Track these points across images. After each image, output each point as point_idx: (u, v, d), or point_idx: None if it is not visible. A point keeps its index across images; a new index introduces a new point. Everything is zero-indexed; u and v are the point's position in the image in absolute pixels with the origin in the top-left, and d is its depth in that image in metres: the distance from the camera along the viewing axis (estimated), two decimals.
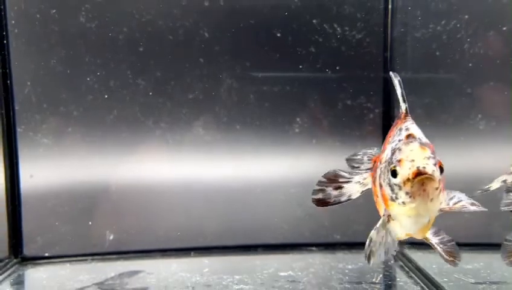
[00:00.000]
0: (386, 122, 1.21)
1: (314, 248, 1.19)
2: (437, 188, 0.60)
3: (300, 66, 1.21)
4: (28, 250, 1.16)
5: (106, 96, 1.18)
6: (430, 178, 0.59)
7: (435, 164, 0.60)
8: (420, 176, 0.59)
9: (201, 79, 1.21)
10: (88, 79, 1.16)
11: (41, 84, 1.16)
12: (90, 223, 1.19)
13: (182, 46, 1.19)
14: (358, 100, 1.22)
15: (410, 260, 1.06)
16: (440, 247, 0.72)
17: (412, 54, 1.21)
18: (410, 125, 0.68)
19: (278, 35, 1.20)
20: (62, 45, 1.16)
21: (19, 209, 1.15)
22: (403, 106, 0.73)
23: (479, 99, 1.21)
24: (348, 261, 1.09)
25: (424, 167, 0.59)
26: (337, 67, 1.21)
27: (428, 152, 0.61)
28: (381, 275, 1.00)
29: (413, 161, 0.61)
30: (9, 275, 1.07)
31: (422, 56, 1.22)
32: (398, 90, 0.75)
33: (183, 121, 1.22)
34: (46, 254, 1.16)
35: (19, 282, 1.05)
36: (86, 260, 1.16)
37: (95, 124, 1.20)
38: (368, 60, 1.20)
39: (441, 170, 0.61)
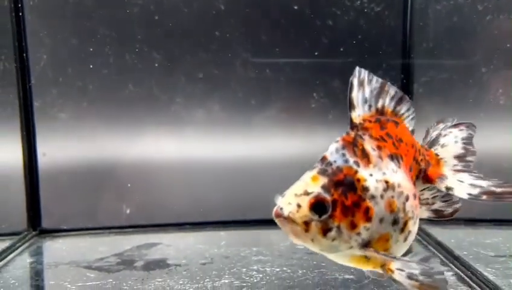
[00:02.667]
0: None
1: None
2: (307, 231, 0.54)
3: (318, 40, 1.19)
4: (46, 223, 1.17)
5: (121, 71, 1.18)
6: (286, 221, 0.54)
7: (309, 204, 0.54)
8: (278, 218, 0.55)
9: (217, 53, 1.20)
10: (103, 53, 1.17)
11: (57, 58, 1.16)
12: (106, 197, 1.21)
13: (197, 18, 1.18)
14: (376, 74, 1.20)
15: (428, 235, 1.05)
16: (421, 279, 0.58)
17: (432, 26, 1.19)
18: (333, 146, 0.59)
19: (295, 7, 1.18)
20: (77, 18, 1.16)
21: (37, 183, 1.16)
22: (353, 115, 0.62)
23: (500, 73, 1.19)
24: None
25: (281, 208, 0.55)
26: (355, 41, 1.19)
27: (310, 187, 0.55)
28: None
29: (283, 196, 0.56)
30: (28, 246, 1.09)
31: (442, 29, 1.19)
32: (353, 94, 0.62)
33: (198, 97, 1.22)
34: (64, 227, 1.18)
35: (39, 253, 1.07)
36: (103, 233, 1.17)
37: (110, 98, 1.20)
38: (387, 33, 1.18)
39: (321, 208, 0.54)
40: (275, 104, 1.23)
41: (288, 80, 1.20)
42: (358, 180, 0.56)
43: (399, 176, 0.59)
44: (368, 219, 0.56)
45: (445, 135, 0.71)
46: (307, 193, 0.55)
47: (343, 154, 0.58)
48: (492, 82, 1.17)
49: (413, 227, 0.61)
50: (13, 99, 1.12)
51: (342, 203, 0.55)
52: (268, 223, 1.21)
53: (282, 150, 1.24)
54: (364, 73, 0.63)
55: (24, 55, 1.12)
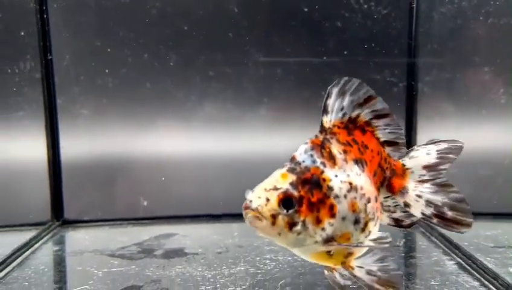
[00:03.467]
0: (410, 96, 1.25)
1: None
2: (274, 224, 0.57)
3: (326, 41, 1.24)
4: (68, 214, 1.24)
5: (139, 70, 1.24)
6: (254, 214, 0.57)
7: (277, 198, 0.57)
8: (245, 210, 0.58)
9: (230, 53, 1.26)
10: (122, 53, 1.22)
11: (79, 57, 1.22)
12: (124, 190, 1.27)
13: (212, 20, 1.24)
14: (383, 74, 1.26)
15: (431, 227, 1.10)
16: (379, 275, 0.64)
17: (436, 28, 1.23)
18: (303, 147, 0.63)
19: (305, 10, 1.23)
20: (98, 20, 1.22)
21: (60, 176, 1.23)
22: (324, 119, 0.67)
23: (501, 73, 1.23)
24: None
25: (251, 202, 0.58)
26: (363, 42, 1.24)
27: (279, 183, 0.59)
28: (403, 240, 1.06)
29: (253, 191, 0.59)
30: (52, 236, 1.16)
31: (446, 31, 1.24)
32: (329, 101, 0.67)
33: (211, 95, 1.27)
34: (85, 218, 1.24)
35: (63, 242, 1.14)
36: (122, 224, 1.23)
37: (128, 96, 1.26)
38: (393, 34, 1.23)
39: (288, 203, 0.58)
40: (285, 102, 1.29)
41: (298, 79, 1.25)
42: (324, 179, 0.61)
43: (362, 179, 0.64)
44: (332, 215, 0.61)
45: (417, 150, 0.74)
46: (275, 189, 0.59)
47: (311, 155, 0.62)
48: (493, 82, 1.22)
49: (374, 228, 0.65)
50: (38, 96, 1.18)
51: (308, 199, 0.59)
52: None
53: (293, 146, 1.30)
54: (353, 83, 0.67)
55: (48, 54, 1.18)
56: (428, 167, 0.72)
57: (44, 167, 1.20)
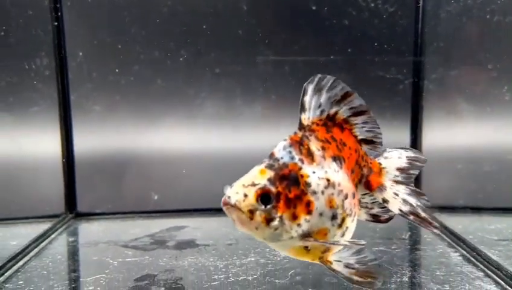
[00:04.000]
0: (416, 93, 1.27)
1: None
2: (252, 219, 0.58)
3: (333, 39, 1.27)
4: (81, 207, 1.27)
5: (151, 67, 1.27)
6: (233, 209, 0.59)
7: (255, 194, 0.58)
8: (225, 206, 0.60)
9: (239, 51, 1.28)
10: (134, 50, 1.25)
11: (91, 55, 1.25)
12: (135, 184, 1.30)
13: (221, 18, 1.26)
14: (389, 71, 1.28)
15: (436, 221, 1.13)
16: (356, 267, 0.66)
17: (442, 26, 1.26)
18: (281, 144, 0.64)
19: (313, 8, 1.26)
20: (111, 18, 1.25)
21: (73, 171, 1.26)
22: (302, 116, 0.68)
23: (506, 71, 1.26)
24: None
25: (229, 197, 0.59)
26: (369, 40, 1.26)
27: (257, 179, 0.60)
28: (409, 233, 1.09)
29: (232, 187, 0.61)
30: (66, 227, 1.19)
31: (452, 29, 1.26)
32: (305, 98, 0.68)
33: (221, 91, 1.30)
34: (97, 211, 1.28)
35: (77, 233, 1.17)
36: (133, 217, 1.26)
37: (140, 92, 1.29)
38: (399, 32, 1.26)
39: (266, 199, 0.59)
40: (292, 99, 1.31)
41: (306, 77, 1.28)
42: (302, 176, 0.62)
43: (340, 175, 0.65)
44: (309, 211, 0.62)
45: (390, 152, 0.77)
46: (253, 184, 0.60)
47: (290, 152, 0.63)
48: (498, 79, 1.24)
49: (351, 224, 0.67)
50: (52, 92, 1.21)
51: (285, 195, 0.60)
52: None
53: None
54: (328, 80, 0.68)
55: (62, 52, 1.22)
56: (400, 170, 0.76)
57: (58, 161, 1.23)
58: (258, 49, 1.27)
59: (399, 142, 1.31)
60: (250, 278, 0.84)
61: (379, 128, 0.72)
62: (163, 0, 1.24)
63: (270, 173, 0.60)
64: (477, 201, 1.22)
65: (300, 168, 0.62)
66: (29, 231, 1.12)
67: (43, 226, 1.13)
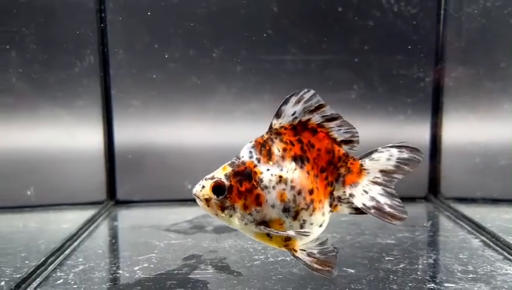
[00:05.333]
0: (436, 91, 1.34)
1: None
2: (208, 206, 0.70)
3: (360, 39, 1.34)
4: (120, 195, 1.36)
5: (186, 64, 1.35)
6: (197, 197, 0.71)
7: (210, 186, 0.69)
8: (193, 194, 0.72)
9: (269, 49, 1.36)
10: (171, 49, 1.33)
11: (131, 52, 1.33)
12: (171, 174, 1.38)
13: (253, 19, 1.34)
14: (410, 70, 1.35)
15: (456, 210, 1.21)
16: (317, 256, 0.74)
17: (463, 27, 1.32)
18: (247, 145, 0.72)
19: (340, 9, 1.33)
20: (150, 18, 1.32)
21: (113, 161, 1.35)
22: (274, 121, 0.74)
23: None
24: None
25: (195, 187, 0.72)
26: (392, 39, 1.34)
27: (218, 174, 0.71)
28: (430, 221, 1.16)
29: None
30: (108, 213, 1.28)
31: (472, 29, 1.33)
32: (283, 107, 0.74)
33: (251, 88, 1.38)
34: (135, 199, 1.37)
35: (120, 219, 1.26)
36: (168, 204, 1.35)
37: (175, 88, 1.37)
38: (422, 32, 1.32)
39: (219, 190, 0.70)
40: (319, 95, 1.39)
41: (332, 74, 1.35)
42: (255, 173, 0.71)
43: (296, 173, 0.73)
44: (259, 203, 0.71)
45: (381, 152, 0.79)
46: (212, 178, 0.71)
47: (251, 152, 0.73)
48: None
49: (310, 217, 0.73)
50: (96, 87, 1.30)
51: (237, 188, 0.71)
52: None
53: None
54: (308, 93, 0.74)
55: (105, 49, 1.30)
56: (384, 172, 0.79)
57: (101, 152, 1.32)
58: (287, 48, 1.35)
59: (419, 137, 1.40)
60: (287, 259, 0.92)
61: (355, 128, 0.77)
62: (198, 2, 1.32)
63: (229, 169, 0.72)
64: (494, 193, 1.30)
65: (255, 166, 0.72)
66: (77, 216, 1.22)
67: (89, 212, 1.23)
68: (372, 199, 0.77)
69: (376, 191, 0.78)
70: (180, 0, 1.32)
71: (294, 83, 1.38)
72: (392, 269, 0.87)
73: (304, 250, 0.74)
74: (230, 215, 0.71)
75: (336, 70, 1.37)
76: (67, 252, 0.98)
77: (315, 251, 0.74)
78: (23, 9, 1.24)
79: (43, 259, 0.91)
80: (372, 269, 0.87)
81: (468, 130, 1.35)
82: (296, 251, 0.74)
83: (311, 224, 0.74)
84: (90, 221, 1.17)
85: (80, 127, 1.30)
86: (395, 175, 0.79)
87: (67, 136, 1.28)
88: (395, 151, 0.79)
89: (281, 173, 0.72)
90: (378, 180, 0.78)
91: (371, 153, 0.79)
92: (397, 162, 0.78)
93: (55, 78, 1.26)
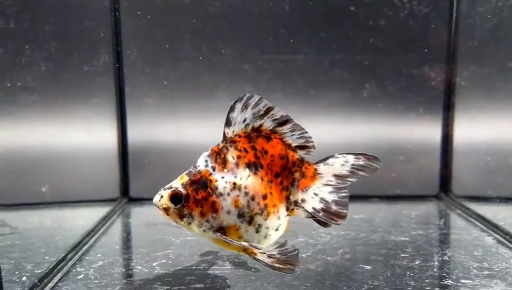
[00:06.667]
0: (448, 90, 1.35)
1: (377, 199, 1.36)
2: (168, 215, 0.73)
3: (370, 37, 1.35)
4: (133, 192, 1.38)
5: (198, 63, 1.36)
6: (157, 207, 0.74)
7: (168, 196, 0.71)
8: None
9: (281, 48, 1.37)
10: (183, 47, 1.34)
11: (145, 51, 1.34)
12: (183, 172, 1.39)
13: (265, 18, 1.35)
14: (422, 69, 1.36)
15: (467, 209, 1.22)
16: (278, 257, 0.74)
17: (475, 26, 1.33)
18: (203, 154, 0.74)
19: (351, 8, 1.34)
20: (163, 17, 1.33)
21: (127, 159, 1.37)
22: (226, 130, 0.75)
23: None
24: (410, 209, 1.26)
25: (154, 197, 0.74)
26: (404, 38, 1.34)
27: (175, 183, 0.73)
28: (443, 219, 1.17)
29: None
30: (123, 210, 1.30)
31: (484, 29, 1.33)
32: (231, 114, 0.75)
33: (263, 86, 1.39)
34: (146, 196, 1.37)
35: (134, 216, 1.27)
36: None
37: (187, 87, 1.38)
38: (434, 31, 1.33)
39: (176, 199, 0.72)
40: (330, 94, 1.40)
41: (344, 73, 1.36)
42: (211, 181, 0.73)
43: (250, 180, 0.74)
44: (215, 210, 0.73)
45: (336, 158, 0.81)
46: (170, 188, 0.73)
47: (206, 161, 0.74)
48: None
49: (265, 221, 0.75)
50: (110, 85, 1.31)
51: (193, 197, 0.72)
52: None
53: (334, 136, 1.41)
54: (254, 99, 0.75)
55: (119, 48, 1.31)
56: (337, 176, 0.80)
57: (114, 150, 1.34)
58: (298, 48, 1.36)
59: (431, 135, 1.41)
60: (304, 255, 0.93)
61: (307, 133, 0.79)
62: (211, 1, 1.33)
63: (186, 179, 0.74)
64: (505, 191, 1.30)
65: (210, 174, 0.73)
66: (92, 212, 1.24)
67: (103, 209, 1.24)
68: (322, 200, 0.79)
69: (325, 191, 0.79)
70: (193, 0, 1.33)
71: (306, 82, 1.39)
72: (408, 266, 0.88)
73: (264, 253, 0.74)
74: (189, 223, 0.74)
75: (347, 69, 1.38)
76: (85, 248, 0.99)
77: (275, 252, 0.75)
78: (39, 9, 1.25)
79: (63, 255, 0.92)
80: (388, 266, 0.88)
81: (479, 128, 1.36)
82: (255, 253, 0.74)
83: (267, 228, 0.75)
84: (106, 218, 1.18)
85: (94, 124, 1.32)
86: (348, 179, 0.80)
87: (82, 133, 1.30)
88: (351, 157, 0.80)
89: (235, 180, 0.73)
90: (331, 183, 0.80)
91: (326, 158, 0.81)
92: (352, 167, 0.80)
93: (71, 76, 1.28)
